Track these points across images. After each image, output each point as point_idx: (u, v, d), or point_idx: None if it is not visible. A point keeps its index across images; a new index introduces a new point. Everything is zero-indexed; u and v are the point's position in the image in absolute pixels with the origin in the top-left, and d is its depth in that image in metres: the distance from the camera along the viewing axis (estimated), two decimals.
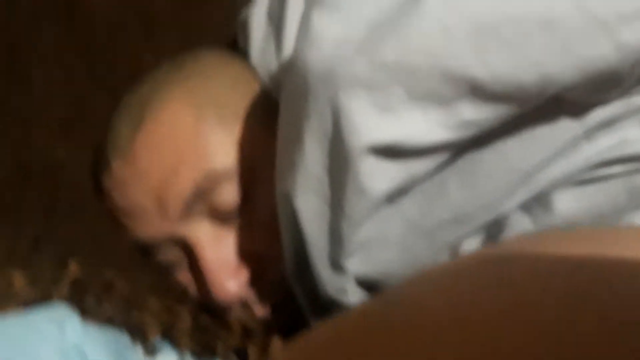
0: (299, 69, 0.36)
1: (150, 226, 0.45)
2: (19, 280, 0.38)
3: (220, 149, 0.45)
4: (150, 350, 0.44)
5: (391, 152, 0.36)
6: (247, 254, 0.46)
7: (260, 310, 0.47)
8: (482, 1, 0.33)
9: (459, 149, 0.38)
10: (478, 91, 0.34)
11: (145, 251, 0.47)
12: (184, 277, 0.48)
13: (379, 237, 0.41)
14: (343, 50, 0.34)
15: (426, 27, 0.33)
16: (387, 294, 0.27)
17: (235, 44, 0.55)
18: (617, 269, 0.23)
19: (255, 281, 0.47)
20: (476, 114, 0.35)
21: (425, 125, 0.35)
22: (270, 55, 0.47)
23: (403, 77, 0.34)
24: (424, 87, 0.34)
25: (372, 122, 0.35)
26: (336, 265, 0.40)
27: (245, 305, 0.47)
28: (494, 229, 0.44)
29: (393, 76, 0.34)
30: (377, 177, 0.36)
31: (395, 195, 0.39)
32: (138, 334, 0.42)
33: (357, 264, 0.41)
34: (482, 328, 0.21)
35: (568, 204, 0.41)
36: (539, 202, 0.42)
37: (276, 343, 0.40)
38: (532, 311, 0.22)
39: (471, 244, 0.45)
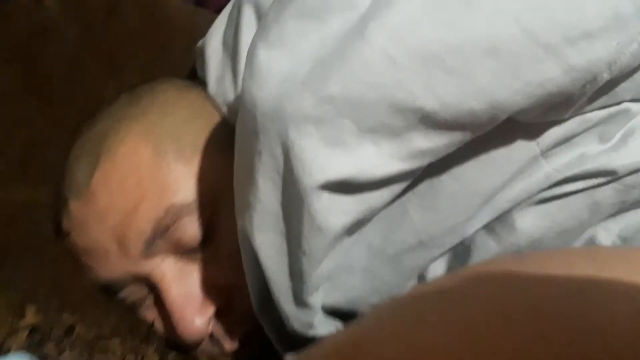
0: (247, 105, 0.35)
1: (113, 266, 0.44)
2: None
3: (179, 183, 0.44)
4: None
5: (345, 186, 0.35)
6: (213, 288, 0.45)
7: (229, 344, 0.46)
8: (426, 31, 0.32)
9: (417, 176, 0.38)
10: (429, 121, 0.33)
11: (108, 291, 0.46)
12: (150, 315, 0.47)
13: (342, 266, 0.41)
14: (289, 86, 0.33)
15: (369, 58, 0.32)
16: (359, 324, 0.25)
17: (194, 72, 0.54)
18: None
19: (223, 314, 0.46)
20: (429, 143, 0.34)
21: (378, 158, 0.34)
22: (227, 84, 0.47)
23: (350, 110, 0.33)
24: (372, 120, 0.33)
25: (323, 159, 0.33)
26: (300, 301, 0.39)
27: (213, 339, 0.46)
28: (460, 251, 0.44)
29: (340, 110, 0.33)
30: (333, 213, 0.35)
31: (355, 226, 0.38)
32: None
33: (322, 296, 0.40)
34: None
35: (531, 222, 0.41)
36: (502, 222, 0.41)
37: None
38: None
39: (437, 268, 0.45)
